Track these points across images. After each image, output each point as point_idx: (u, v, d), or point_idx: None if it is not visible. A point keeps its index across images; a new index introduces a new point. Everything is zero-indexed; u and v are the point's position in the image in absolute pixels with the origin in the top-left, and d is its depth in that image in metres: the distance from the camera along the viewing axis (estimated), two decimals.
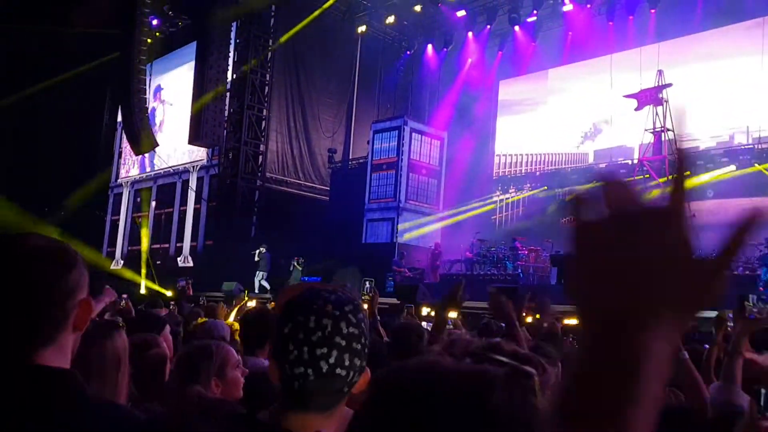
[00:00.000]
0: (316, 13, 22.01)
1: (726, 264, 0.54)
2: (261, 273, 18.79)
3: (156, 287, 20.79)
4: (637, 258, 0.53)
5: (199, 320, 5.98)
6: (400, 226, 19.33)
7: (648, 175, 17.77)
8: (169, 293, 18.42)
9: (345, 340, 1.29)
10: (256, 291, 17.97)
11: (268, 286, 18.41)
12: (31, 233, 1.33)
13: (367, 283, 12.11)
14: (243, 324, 3.88)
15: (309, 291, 1.37)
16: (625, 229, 0.54)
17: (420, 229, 19.70)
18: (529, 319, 6.79)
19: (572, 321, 10.00)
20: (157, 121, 25.89)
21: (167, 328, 3.66)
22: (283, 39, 22.66)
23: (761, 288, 11.80)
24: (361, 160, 21.79)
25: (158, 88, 26.51)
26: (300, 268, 18.17)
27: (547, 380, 0.68)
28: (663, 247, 0.53)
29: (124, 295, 9.61)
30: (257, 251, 19.01)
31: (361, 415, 0.68)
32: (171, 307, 9.64)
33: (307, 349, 1.27)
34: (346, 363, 1.29)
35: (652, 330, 0.52)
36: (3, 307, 1.23)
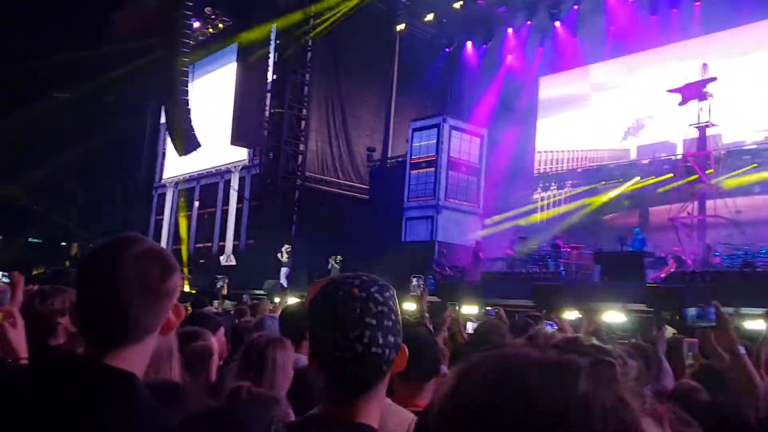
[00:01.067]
0: (353, 3, 22.01)
1: None
2: (285, 269, 19.07)
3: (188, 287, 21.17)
4: None
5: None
6: (440, 225, 19.30)
7: (695, 176, 17.38)
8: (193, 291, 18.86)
9: (375, 319, 1.31)
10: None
11: (285, 284, 18.64)
12: (141, 236, 1.38)
13: (415, 280, 11.99)
14: (282, 320, 3.93)
15: (333, 280, 1.41)
16: None
17: (460, 227, 19.64)
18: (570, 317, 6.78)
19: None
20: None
21: (221, 329, 3.75)
22: (318, 27, 22.64)
23: None
24: (400, 159, 21.82)
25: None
26: (338, 266, 18.34)
27: (628, 372, 0.70)
28: None
29: None
30: (283, 250, 19.25)
31: (444, 403, 0.69)
32: (216, 306, 9.83)
33: (340, 334, 1.30)
34: (380, 341, 1.31)
35: None
36: (107, 301, 1.27)
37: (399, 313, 1.39)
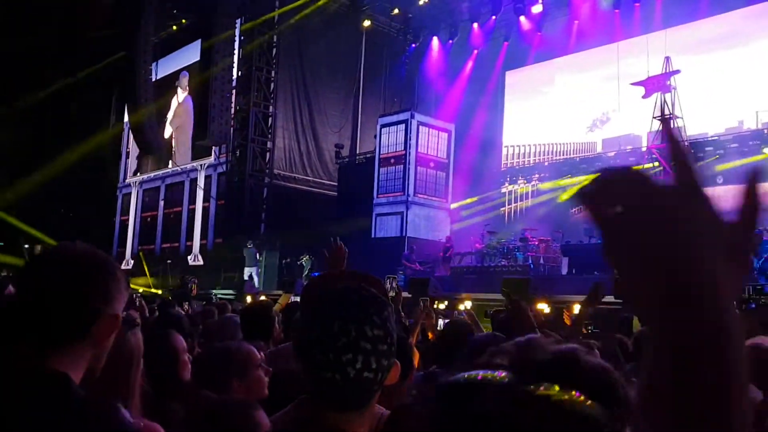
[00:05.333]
0: (320, 2, 21.97)
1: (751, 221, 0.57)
2: (252, 269, 18.99)
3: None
4: (674, 226, 0.55)
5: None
6: (410, 220, 19.31)
7: (657, 163, 17.67)
8: (159, 292, 18.65)
9: (370, 344, 1.28)
10: (258, 286, 18.18)
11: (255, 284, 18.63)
12: (77, 242, 1.36)
13: (388, 281, 11.97)
14: (243, 319, 3.89)
15: (331, 292, 1.36)
16: (653, 208, 0.56)
17: (430, 223, 19.68)
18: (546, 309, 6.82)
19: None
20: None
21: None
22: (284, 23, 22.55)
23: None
24: (368, 155, 21.75)
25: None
26: (307, 266, 18.36)
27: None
28: (693, 213, 0.56)
29: (138, 293, 9.68)
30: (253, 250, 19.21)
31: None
32: (185, 307, 9.69)
33: (332, 355, 1.27)
34: (374, 366, 1.28)
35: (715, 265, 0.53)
36: (31, 306, 1.26)
37: (394, 331, 1.35)
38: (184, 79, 26.00)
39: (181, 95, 26.18)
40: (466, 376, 0.65)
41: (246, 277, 18.83)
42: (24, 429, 1.16)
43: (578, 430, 0.59)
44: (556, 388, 0.61)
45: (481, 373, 0.64)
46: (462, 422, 0.61)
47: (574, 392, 0.61)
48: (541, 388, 0.61)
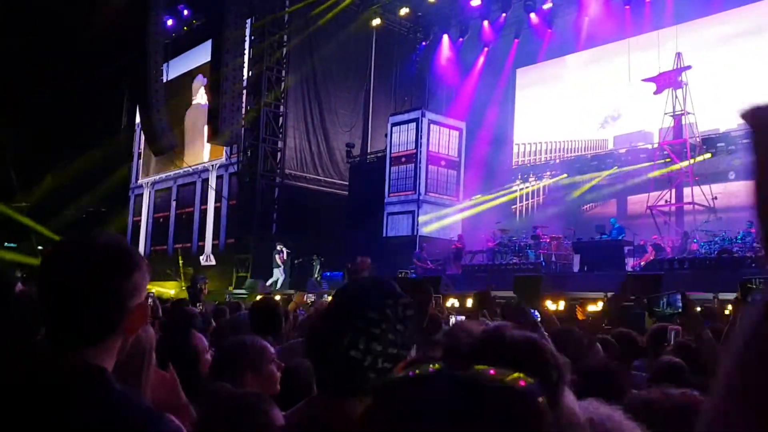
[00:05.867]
0: (330, 1, 22.06)
1: None
2: (278, 269, 19.09)
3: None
4: None
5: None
6: (421, 219, 19.30)
7: (669, 159, 17.57)
8: (171, 291, 18.74)
9: (364, 322, 1.29)
10: (273, 287, 18.26)
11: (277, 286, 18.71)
12: (102, 232, 1.34)
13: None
14: (252, 316, 3.92)
15: (353, 280, 1.41)
16: None
17: (441, 221, 19.65)
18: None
19: (593, 307, 9.93)
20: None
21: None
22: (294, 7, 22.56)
23: None
24: (379, 154, 21.75)
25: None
26: (318, 267, 18.46)
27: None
28: None
29: (151, 293, 9.76)
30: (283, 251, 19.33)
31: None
32: (199, 306, 9.71)
33: (326, 331, 1.31)
34: (361, 346, 1.27)
35: None
36: (60, 303, 1.26)
37: (402, 323, 1.33)
38: (198, 80, 26.11)
39: (195, 95, 26.31)
40: (395, 376, 0.66)
41: (271, 280, 18.87)
42: (67, 423, 1.17)
43: (495, 402, 0.59)
44: (477, 368, 0.61)
45: (413, 371, 0.64)
46: (390, 418, 0.62)
47: (487, 368, 0.61)
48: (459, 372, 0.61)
